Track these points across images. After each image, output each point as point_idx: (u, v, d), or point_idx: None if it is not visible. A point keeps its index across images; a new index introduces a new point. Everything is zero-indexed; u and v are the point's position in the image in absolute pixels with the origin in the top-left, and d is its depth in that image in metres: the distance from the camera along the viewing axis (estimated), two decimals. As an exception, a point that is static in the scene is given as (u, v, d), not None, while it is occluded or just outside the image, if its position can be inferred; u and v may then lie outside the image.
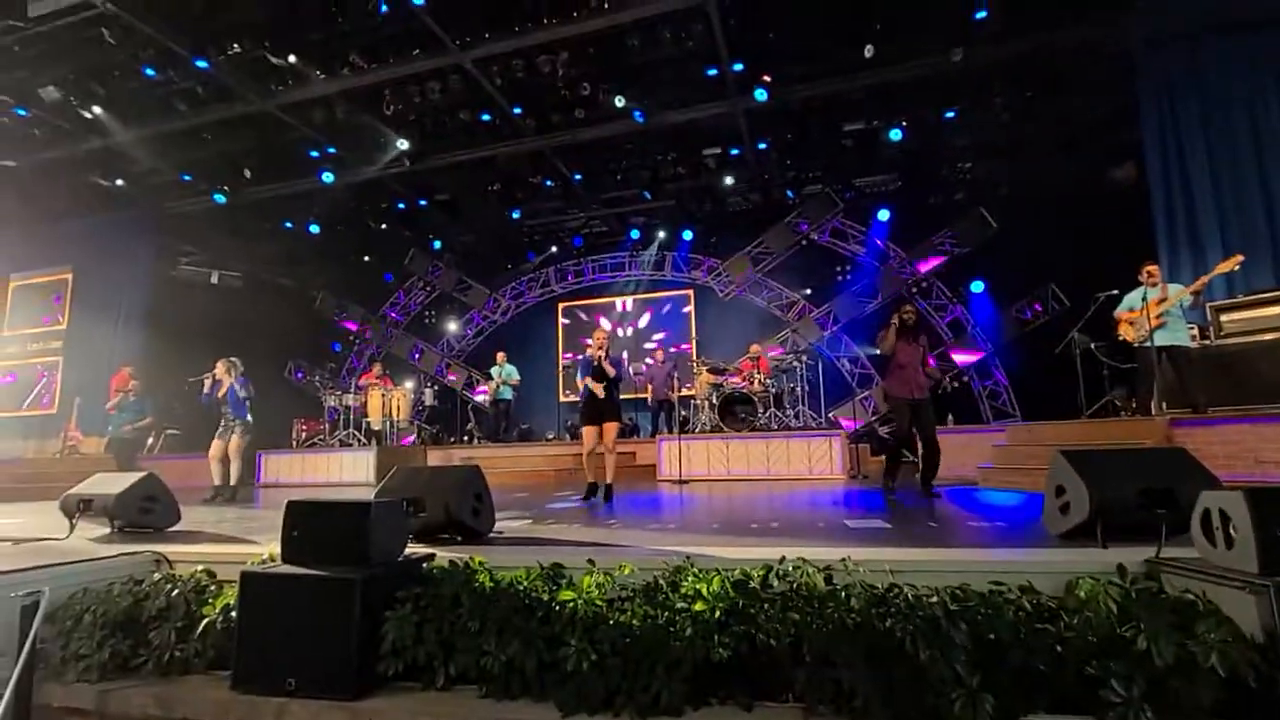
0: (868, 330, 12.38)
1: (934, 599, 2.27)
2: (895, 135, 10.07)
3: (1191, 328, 6.15)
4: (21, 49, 7.96)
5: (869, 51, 8.03)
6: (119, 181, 10.79)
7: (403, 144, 9.81)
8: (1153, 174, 7.77)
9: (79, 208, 11.64)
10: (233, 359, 7.41)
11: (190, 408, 10.44)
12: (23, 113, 9.02)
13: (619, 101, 8.85)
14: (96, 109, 8.85)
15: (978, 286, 11.84)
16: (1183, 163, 7.53)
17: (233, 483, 7.28)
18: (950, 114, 9.80)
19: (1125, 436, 5.39)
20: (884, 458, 5.85)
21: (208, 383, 7.30)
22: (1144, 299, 5.93)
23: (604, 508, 5.48)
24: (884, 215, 12.31)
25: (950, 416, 10.47)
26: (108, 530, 4.20)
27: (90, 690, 2.80)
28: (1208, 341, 6.29)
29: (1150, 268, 6.09)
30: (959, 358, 11.78)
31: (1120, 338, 6.34)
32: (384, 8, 7.61)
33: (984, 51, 8.07)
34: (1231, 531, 2.11)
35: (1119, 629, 2.08)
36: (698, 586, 2.52)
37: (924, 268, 12.00)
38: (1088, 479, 2.86)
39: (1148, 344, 5.84)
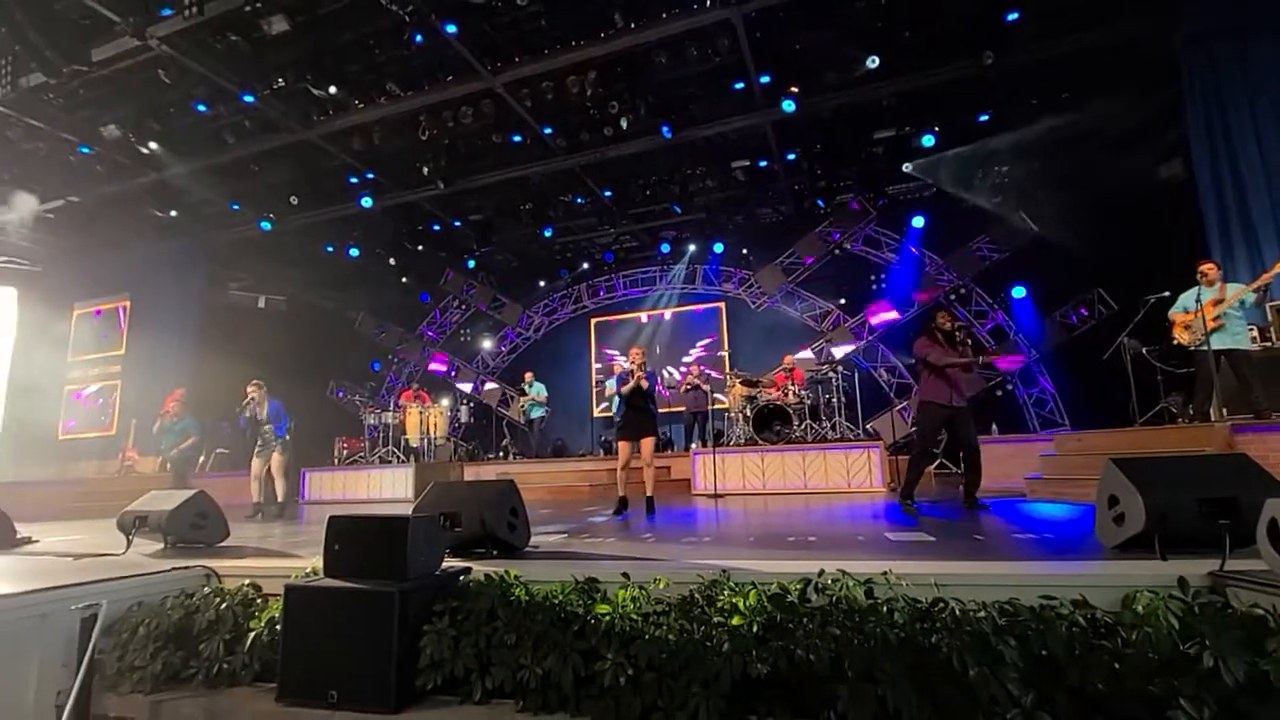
0: (904, 339, 12.14)
1: (981, 614, 2.19)
2: (928, 141, 9.93)
3: (1251, 329, 5.85)
4: (85, 91, 8.48)
5: (873, 62, 7.96)
6: (173, 212, 11.33)
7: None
8: (1201, 172, 7.46)
9: (136, 238, 12.25)
10: (258, 380, 7.60)
11: (239, 429, 10.86)
12: (86, 150, 9.58)
13: (624, 124, 9.00)
14: (153, 144, 9.33)
15: (1019, 292, 11.49)
16: (1233, 160, 7.22)
17: (280, 500, 7.50)
18: (984, 117, 9.62)
19: (1183, 444, 5.13)
20: (905, 470, 5.63)
21: (248, 408, 7.50)
22: (1198, 300, 5.67)
23: (644, 520, 5.48)
24: (919, 222, 12.09)
25: (995, 426, 10.15)
26: (161, 546, 4.36)
27: (144, 701, 2.89)
28: (1269, 343, 5.98)
29: (1205, 266, 5.83)
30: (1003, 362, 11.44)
31: (1175, 341, 6.07)
32: (418, 38, 7.86)
33: (1017, 54, 7.92)
34: (1303, 542, 1.98)
35: (1182, 646, 1.97)
36: (734, 600, 2.48)
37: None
38: (1142, 488, 2.73)
39: (1204, 347, 5.57)
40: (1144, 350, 6.99)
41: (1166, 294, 6.20)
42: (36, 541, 5.23)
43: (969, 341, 5.45)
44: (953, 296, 11.80)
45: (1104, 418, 7.61)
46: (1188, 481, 2.75)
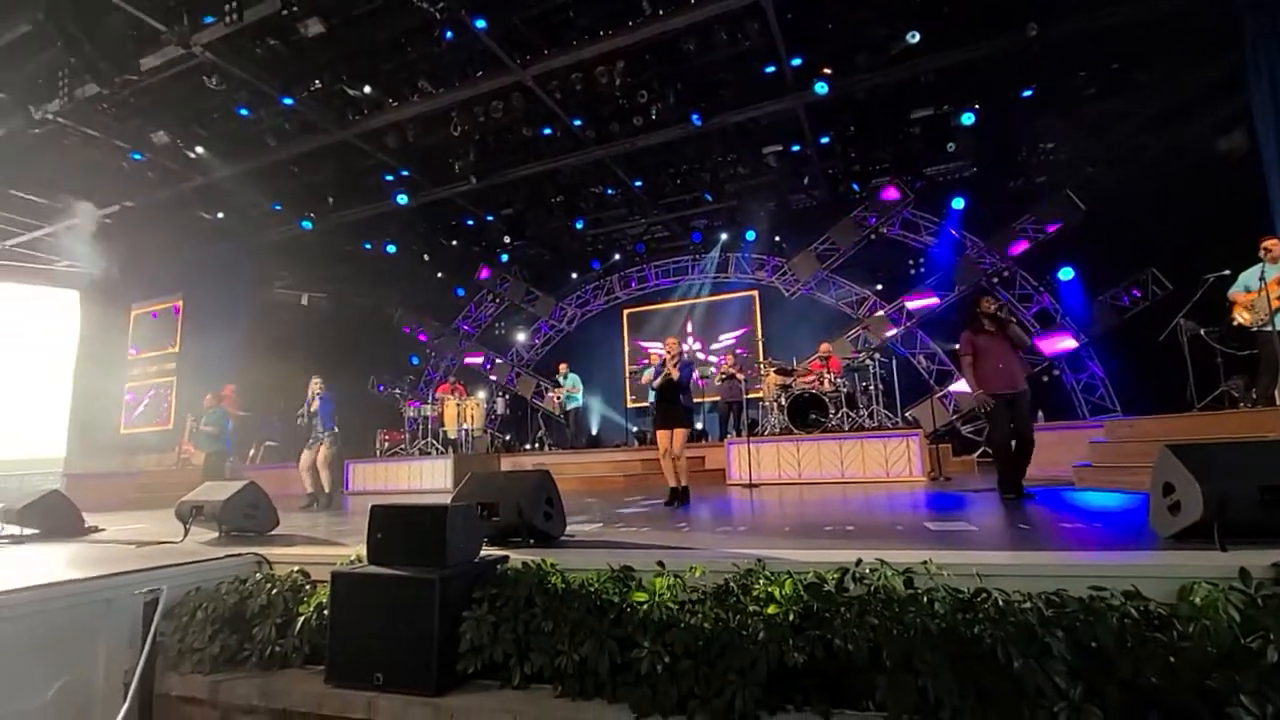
0: (944, 325, 11.84)
1: (1026, 605, 2.14)
2: (968, 119, 9.60)
3: (1320, 308, 5.52)
4: (136, 100, 8.81)
5: (913, 38, 7.71)
6: (220, 215, 11.73)
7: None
8: (1266, 142, 7.01)
9: (187, 240, 12.73)
10: (318, 377, 8.03)
11: (287, 422, 11.26)
12: (138, 157, 9.97)
13: (653, 113, 8.97)
14: (199, 149, 9.67)
15: (1066, 274, 11.06)
16: (1302, 126, 6.79)
17: (328, 491, 7.77)
18: (1028, 92, 9.25)
19: (1244, 430, 4.89)
20: (995, 464, 5.45)
21: (313, 401, 7.83)
22: (1262, 278, 5.38)
23: (678, 510, 5.49)
24: (958, 204, 11.73)
25: (1041, 413, 9.82)
26: (216, 534, 4.55)
27: (203, 681, 3.03)
28: (1342, 323, 5.63)
29: (1269, 242, 5.52)
30: (1047, 344, 11.04)
31: (1235, 322, 5.78)
32: (449, 34, 7.93)
33: (1063, 24, 7.57)
34: (1378, 531, 1.87)
35: (1243, 639, 1.89)
36: (770, 589, 2.47)
37: (1015, 250, 11.27)
38: (1200, 475, 2.61)
39: (1268, 328, 5.29)
40: (1202, 332, 6.65)
41: (1226, 273, 5.90)
42: (103, 530, 5.53)
43: (1013, 319, 5.29)
44: (995, 280, 11.44)
45: (1158, 404, 7.29)
46: (1250, 468, 2.62)
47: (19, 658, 2.74)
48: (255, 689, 2.93)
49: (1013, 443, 5.08)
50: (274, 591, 3.26)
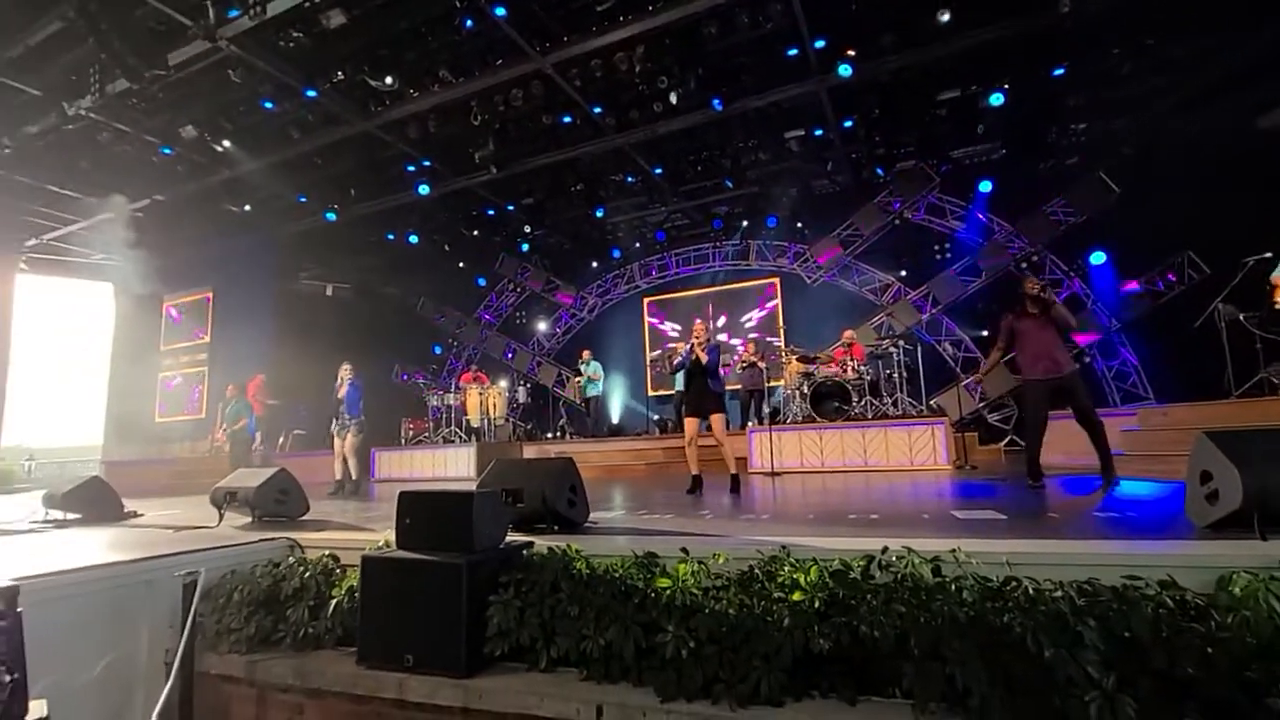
0: (970, 312, 11.63)
1: (1058, 593, 2.11)
2: (996, 100, 9.35)
3: (1369, 291, 5.32)
4: (164, 94, 8.97)
5: (944, 16, 7.52)
6: (246, 207, 11.93)
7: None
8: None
9: (215, 233, 12.97)
10: (347, 364, 8.15)
11: (314, 411, 11.49)
12: (168, 151, 10.16)
13: (673, 99, 8.90)
14: (226, 142, 9.83)
15: (1098, 258, 10.77)
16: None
17: (354, 477, 7.89)
18: (1059, 71, 8.97)
19: (1286, 417, 4.75)
20: (1025, 452, 5.29)
21: (341, 387, 7.97)
22: (1306, 260, 5.19)
23: (725, 497, 5.46)
24: (986, 187, 11.47)
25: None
26: (249, 519, 4.67)
27: (240, 660, 3.13)
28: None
29: (1313, 224, 5.32)
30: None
31: (1277, 306, 5.59)
32: (469, 23, 7.94)
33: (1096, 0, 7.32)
34: None
35: (1285, 630, 1.84)
36: (795, 576, 2.47)
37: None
38: (1240, 463, 2.54)
39: (1313, 311, 5.11)
40: (1241, 316, 6.45)
41: (1268, 255, 5.70)
42: (141, 515, 5.70)
43: (1054, 301, 5.12)
44: (1024, 265, 11.18)
45: (1193, 391, 7.10)
46: (1293, 456, 2.54)
47: (69, 635, 2.85)
48: (290, 669, 3.01)
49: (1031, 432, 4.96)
50: (306, 575, 3.34)
